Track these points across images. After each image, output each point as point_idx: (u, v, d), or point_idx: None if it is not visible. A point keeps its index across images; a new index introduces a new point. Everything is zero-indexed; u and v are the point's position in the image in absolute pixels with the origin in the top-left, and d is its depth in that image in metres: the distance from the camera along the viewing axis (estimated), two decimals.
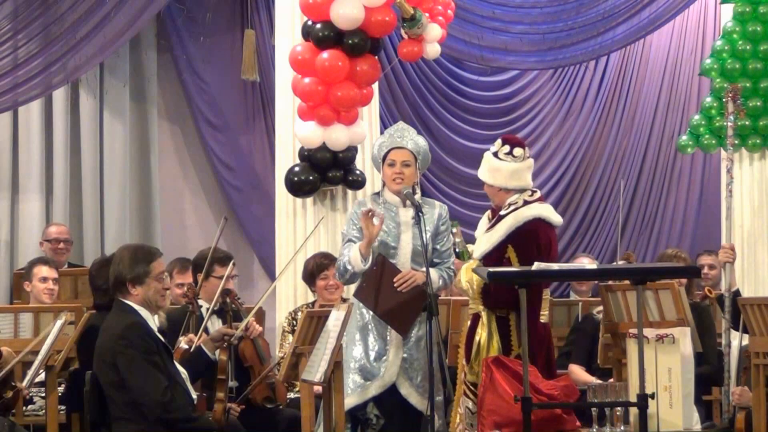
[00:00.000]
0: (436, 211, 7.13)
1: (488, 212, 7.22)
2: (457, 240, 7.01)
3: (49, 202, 10.96)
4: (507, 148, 7.15)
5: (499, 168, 7.10)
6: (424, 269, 6.94)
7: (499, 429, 6.54)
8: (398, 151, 7.10)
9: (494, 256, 7.02)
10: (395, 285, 6.90)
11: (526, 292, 6.67)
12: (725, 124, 8.37)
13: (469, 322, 7.08)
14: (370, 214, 6.95)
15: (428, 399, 6.74)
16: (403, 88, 11.99)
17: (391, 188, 7.11)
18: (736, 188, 10.69)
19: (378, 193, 7.24)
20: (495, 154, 7.13)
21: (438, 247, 7.06)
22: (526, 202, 7.09)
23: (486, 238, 7.07)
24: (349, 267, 7.00)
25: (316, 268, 8.52)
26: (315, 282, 8.57)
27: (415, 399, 6.98)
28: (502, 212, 7.06)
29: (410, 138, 7.17)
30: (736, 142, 10.72)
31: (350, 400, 6.96)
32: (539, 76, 12.48)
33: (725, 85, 10.32)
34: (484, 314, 7.02)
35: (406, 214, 7.09)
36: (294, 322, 8.44)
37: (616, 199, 12.57)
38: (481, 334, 6.97)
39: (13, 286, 10.00)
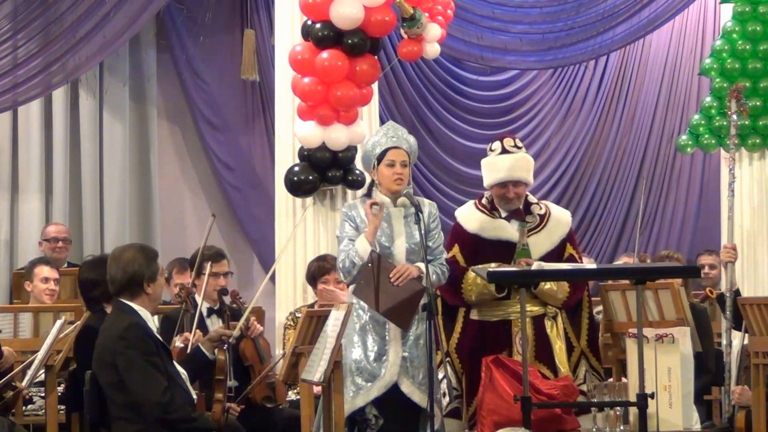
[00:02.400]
0: (426, 209, 7.14)
1: (477, 206, 7.24)
2: (524, 242, 7.06)
3: (49, 201, 10.97)
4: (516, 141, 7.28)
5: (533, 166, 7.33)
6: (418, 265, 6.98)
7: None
8: (396, 151, 7.10)
9: (553, 255, 7.13)
10: (391, 280, 6.90)
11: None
12: (728, 123, 8.36)
13: (528, 327, 6.97)
14: (372, 204, 6.98)
15: (428, 397, 6.73)
16: (402, 88, 12.00)
17: (390, 188, 7.10)
18: (736, 188, 10.68)
19: (368, 195, 7.23)
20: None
21: (430, 244, 7.06)
22: (539, 201, 7.28)
23: (544, 238, 7.15)
24: (357, 260, 6.96)
25: (317, 271, 8.53)
26: (316, 284, 8.59)
27: (418, 397, 6.98)
28: (540, 212, 7.20)
29: (404, 138, 7.18)
30: (737, 141, 10.73)
31: (354, 403, 6.95)
32: (539, 75, 12.48)
33: (725, 85, 10.34)
34: (560, 315, 7.07)
35: (398, 214, 7.10)
36: (296, 320, 8.43)
37: (615, 198, 12.58)
38: (557, 338, 7.05)
39: (13, 285, 10.01)
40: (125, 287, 6.08)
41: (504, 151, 7.23)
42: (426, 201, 7.29)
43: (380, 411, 7.00)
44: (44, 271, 8.78)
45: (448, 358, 7.10)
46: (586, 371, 7.12)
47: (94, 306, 6.69)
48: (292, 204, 9.67)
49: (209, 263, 7.69)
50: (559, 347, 7.04)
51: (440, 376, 6.94)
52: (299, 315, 8.24)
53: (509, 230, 7.12)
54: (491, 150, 7.29)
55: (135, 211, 11.32)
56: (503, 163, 7.18)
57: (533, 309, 7.05)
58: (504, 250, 7.09)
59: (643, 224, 12.65)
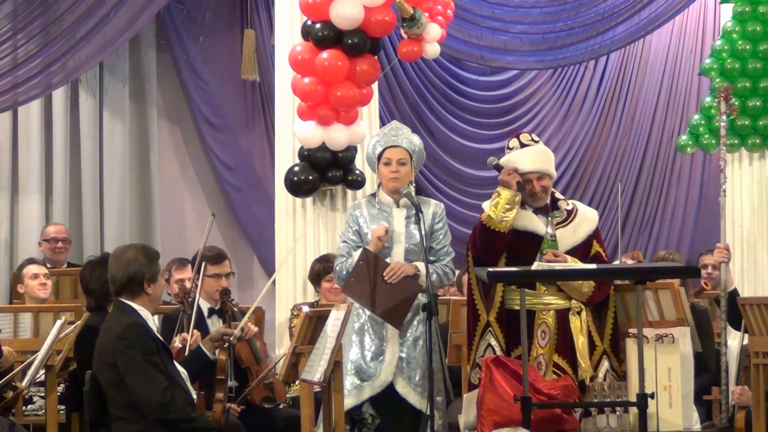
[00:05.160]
0: (431, 209, 7.13)
1: (506, 197, 7.06)
2: (552, 233, 7.01)
3: (49, 201, 10.97)
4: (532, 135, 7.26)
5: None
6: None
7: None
8: (393, 149, 7.10)
9: (579, 251, 7.08)
10: (385, 277, 6.89)
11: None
12: (719, 124, 8.36)
13: (550, 319, 6.93)
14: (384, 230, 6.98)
15: (428, 398, 6.73)
16: (402, 88, 12.00)
17: (387, 187, 7.10)
18: (736, 188, 10.69)
19: (374, 195, 7.24)
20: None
21: (433, 245, 7.05)
22: (567, 199, 7.26)
23: (569, 233, 7.08)
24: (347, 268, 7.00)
25: (323, 271, 8.56)
26: (320, 283, 8.64)
27: (414, 398, 6.97)
28: (567, 207, 7.16)
29: (405, 137, 7.17)
30: (736, 141, 10.74)
31: (347, 402, 6.95)
32: (539, 75, 12.49)
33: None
34: (585, 311, 7.04)
35: (400, 214, 7.10)
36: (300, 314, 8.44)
37: (615, 199, 12.58)
38: (580, 333, 7.01)
39: (13, 286, 10.00)
40: (125, 287, 6.09)
41: (523, 146, 7.18)
42: (432, 201, 7.27)
43: (377, 411, 7.00)
44: (32, 269, 8.87)
45: (489, 328, 7.04)
46: (606, 371, 7.07)
47: (104, 302, 6.67)
48: (292, 204, 9.67)
49: (208, 265, 7.69)
50: (581, 342, 6.97)
51: (483, 347, 6.93)
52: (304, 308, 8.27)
53: (537, 222, 7.07)
54: (509, 148, 7.19)
55: (135, 211, 11.31)
56: (524, 156, 7.11)
57: (558, 302, 7.00)
58: (531, 242, 7.04)
59: (644, 224, 12.66)
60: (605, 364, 7.04)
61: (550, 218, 7.04)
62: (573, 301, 7.02)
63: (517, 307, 6.92)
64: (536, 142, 7.22)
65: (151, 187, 11.41)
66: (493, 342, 6.98)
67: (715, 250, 8.03)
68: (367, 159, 7.36)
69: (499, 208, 6.92)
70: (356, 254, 7.01)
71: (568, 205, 7.21)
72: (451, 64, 12.18)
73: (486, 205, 7.07)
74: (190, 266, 8.26)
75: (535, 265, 6.87)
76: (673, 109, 12.59)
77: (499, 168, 7.04)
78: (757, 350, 6.81)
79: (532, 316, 6.96)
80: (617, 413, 6.70)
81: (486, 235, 6.94)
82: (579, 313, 7.02)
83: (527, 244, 7.01)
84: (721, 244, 7.98)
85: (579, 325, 7.00)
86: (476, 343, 7.01)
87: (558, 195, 7.26)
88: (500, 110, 12.47)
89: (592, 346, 7.01)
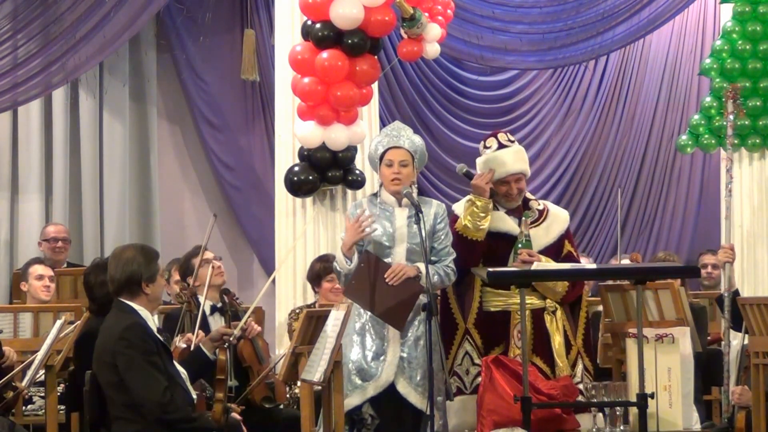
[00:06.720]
0: (432, 210, 7.11)
1: (476, 200, 7.12)
2: (526, 233, 7.03)
3: (49, 201, 10.97)
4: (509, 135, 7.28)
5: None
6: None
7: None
8: (395, 150, 7.08)
9: (551, 251, 7.11)
10: (386, 279, 6.89)
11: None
12: (725, 123, 8.38)
13: (527, 321, 6.83)
14: (370, 219, 6.94)
15: (428, 398, 6.73)
16: (402, 88, 12.00)
17: (389, 188, 7.09)
18: (736, 188, 10.68)
19: (375, 194, 7.23)
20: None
21: (435, 245, 7.04)
22: (537, 200, 7.30)
23: (542, 232, 7.12)
24: (339, 269, 7.01)
25: (323, 270, 8.53)
26: (320, 283, 8.61)
27: (415, 398, 6.96)
28: (539, 207, 7.21)
29: (407, 137, 7.15)
30: (735, 141, 10.73)
31: (348, 402, 6.95)
32: (539, 75, 12.49)
33: (725, 85, 10.35)
34: (559, 310, 7.04)
35: (402, 214, 7.08)
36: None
37: (615, 199, 12.58)
38: (557, 333, 7.01)
39: (13, 286, 10.01)
40: (124, 287, 6.09)
41: (501, 146, 7.21)
42: (434, 202, 7.26)
43: (377, 411, 7.00)
44: (38, 269, 8.85)
45: (467, 336, 7.08)
46: (582, 370, 7.11)
47: (108, 307, 6.66)
48: (292, 204, 9.67)
49: (192, 259, 7.73)
50: (558, 342, 7.02)
51: (461, 355, 7.02)
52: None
53: (509, 222, 7.11)
54: (486, 147, 7.25)
55: (135, 211, 11.32)
56: (503, 158, 7.14)
57: (533, 302, 7.01)
58: (505, 242, 7.07)
59: (644, 224, 12.66)
60: (580, 364, 7.08)
61: (524, 218, 7.07)
62: (548, 300, 7.06)
63: (493, 309, 7.02)
64: (513, 142, 7.27)
65: (151, 187, 11.41)
66: (470, 348, 7.04)
67: (720, 250, 8.04)
68: (369, 159, 7.35)
69: (475, 217, 6.99)
70: (337, 254, 7.02)
71: (539, 204, 7.26)
72: (451, 64, 12.18)
73: (456, 208, 7.14)
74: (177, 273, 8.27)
75: (535, 265, 6.88)
76: (673, 109, 12.59)
77: (469, 175, 7.10)
78: (757, 350, 6.82)
79: (507, 317, 7.00)
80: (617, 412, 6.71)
81: (464, 244, 7.05)
82: (554, 312, 7.06)
83: (500, 245, 7.07)
84: (726, 244, 7.99)
85: (555, 325, 7.03)
86: (454, 350, 7.06)
87: (529, 195, 7.28)
88: (500, 110, 12.47)
89: (568, 345, 7.05)
